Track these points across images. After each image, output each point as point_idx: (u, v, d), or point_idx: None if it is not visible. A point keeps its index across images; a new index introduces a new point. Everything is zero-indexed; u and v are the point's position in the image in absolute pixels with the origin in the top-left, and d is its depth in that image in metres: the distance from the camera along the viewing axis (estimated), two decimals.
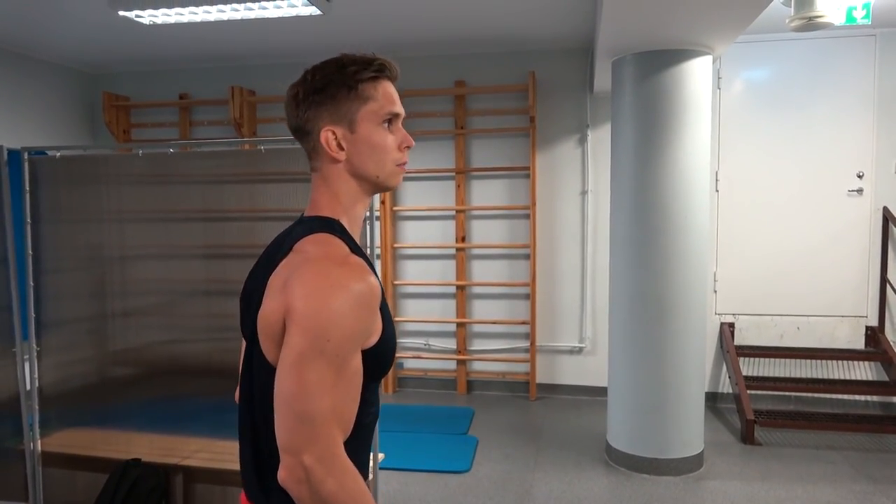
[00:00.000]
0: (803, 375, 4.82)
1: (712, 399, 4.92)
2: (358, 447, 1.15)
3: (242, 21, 4.10)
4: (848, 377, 4.78)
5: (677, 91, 3.57)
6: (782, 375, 4.84)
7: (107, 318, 2.98)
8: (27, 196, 2.95)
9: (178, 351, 2.93)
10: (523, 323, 5.19)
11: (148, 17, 3.91)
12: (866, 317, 4.79)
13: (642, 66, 3.62)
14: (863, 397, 4.74)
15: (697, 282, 3.69)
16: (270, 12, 3.84)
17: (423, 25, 4.48)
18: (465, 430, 4.48)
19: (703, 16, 3.07)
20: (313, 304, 1.04)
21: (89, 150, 3.03)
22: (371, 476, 2.73)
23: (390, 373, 5.32)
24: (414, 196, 5.38)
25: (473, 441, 4.27)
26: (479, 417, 4.75)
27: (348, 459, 1.08)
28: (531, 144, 5.04)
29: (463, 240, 5.28)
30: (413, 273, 5.42)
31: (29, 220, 2.95)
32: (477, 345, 5.37)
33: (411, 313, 5.41)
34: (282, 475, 1.04)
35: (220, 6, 3.70)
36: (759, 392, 4.71)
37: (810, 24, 3.21)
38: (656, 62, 3.58)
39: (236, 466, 1.17)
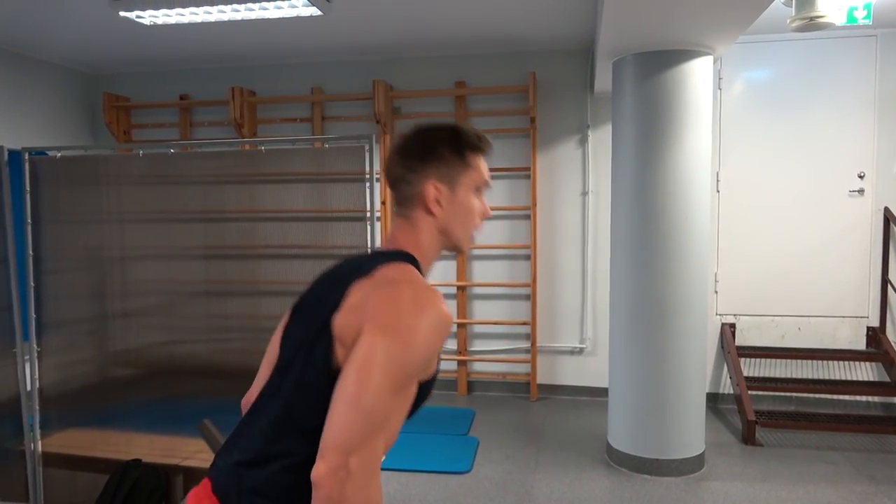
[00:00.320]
0: (804, 376, 4.81)
1: (713, 400, 4.91)
2: None
3: (243, 21, 4.10)
4: (849, 378, 4.78)
5: (678, 92, 3.57)
6: (783, 376, 4.83)
7: (107, 319, 2.99)
8: (28, 196, 2.95)
9: (178, 351, 2.93)
10: (524, 324, 5.19)
11: (148, 17, 3.91)
12: (867, 317, 4.78)
13: (643, 67, 3.62)
14: (864, 398, 4.73)
15: (698, 282, 3.68)
16: (271, 13, 3.85)
17: (424, 26, 4.48)
18: (466, 431, 4.48)
19: (703, 16, 3.06)
20: (403, 316, 1.11)
21: (90, 151, 3.04)
22: None
23: None
24: None
25: (474, 442, 4.27)
26: (480, 418, 4.74)
27: (373, 474, 1.10)
28: (532, 145, 5.04)
29: None
30: None
31: (29, 221, 2.95)
32: (478, 345, 5.36)
33: None
34: (321, 471, 1.05)
35: (221, 7, 3.70)
36: (761, 393, 4.70)
37: (811, 25, 3.20)
38: (657, 63, 3.57)
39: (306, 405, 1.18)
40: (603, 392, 4.70)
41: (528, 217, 5.14)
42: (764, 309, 4.89)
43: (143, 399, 2.96)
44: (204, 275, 2.87)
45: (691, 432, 3.76)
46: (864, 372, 4.77)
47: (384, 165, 1.34)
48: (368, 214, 2.67)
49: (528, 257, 5.17)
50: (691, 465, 3.75)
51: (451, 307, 5.24)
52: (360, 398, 1.07)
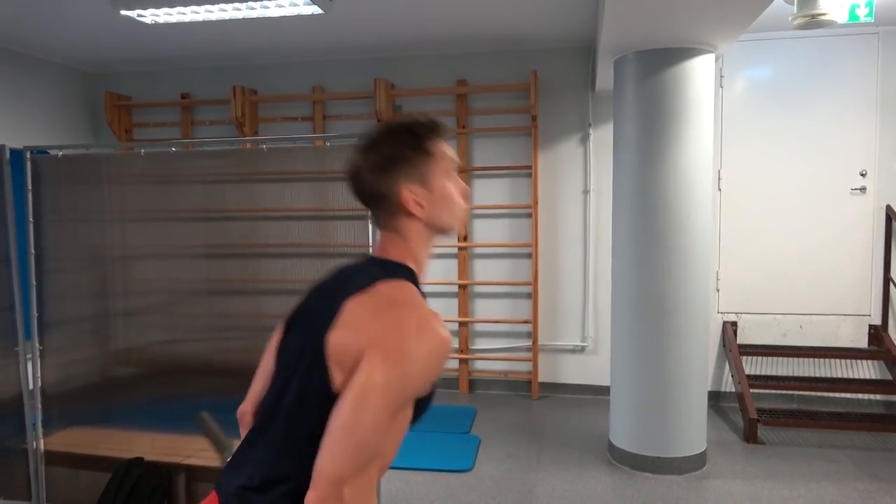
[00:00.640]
0: (806, 374, 4.81)
1: (715, 398, 4.91)
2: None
3: (244, 20, 4.10)
4: (851, 376, 4.77)
5: (679, 90, 3.56)
6: (785, 374, 4.83)
7: (109, 318, 2.99)
8: (29, 195, 2.95)
9: (179, 350, 2.93)
10: (525, 322, 5.19)
11: (150, 16, 3.91)
12: (869, 315, 4.78)
13: (644, 65, 3.61)
14: (866, 396, 4.73)
15: (700, 281, 3.68)
16: (272, 11, 3.85)
17: (425, 24, 4.47)
18: (468, 430, 4.48)
19: (705, 14, 3.06)
20: (403, 342, 1.09)
21: (91, 150, 3.04)
22: None
23: None
24: None
25: (476, 440, 4.27)
26: (482, 416, 4.74)
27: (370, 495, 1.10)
28: (533, 143, 5.03)
29: (465, 239, 5.27)
30: None
31: (31, 220, 2.95)
32: (479, 344, 5.36)
33: None
34: (311, 498, 1.04)
35: (222, 5, 3.70)
36: (762, 391, 4.70)
37: (813, 22, 3.20)
38: (658, 61, 3.57)
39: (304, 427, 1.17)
40: (604, 390, 4.69)
41: (529, 215, 5.14)
42: (766, 307, 4.89)
43: (145, 398, 2.96)
44: (205, 274, 2.87)
45: (693, 430, 3.76)
46: (866, 370, 4.76)
47: (351, 183, 1.31)
48: (369, 213, 2.67)
49: (529, 256, 5.17)
50: (693, 464, 3.75)
51: (453, 306, 5.27)
52: (356, 428, 1.05)
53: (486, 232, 5.28)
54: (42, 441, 3.05)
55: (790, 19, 3.27)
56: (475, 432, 4.43)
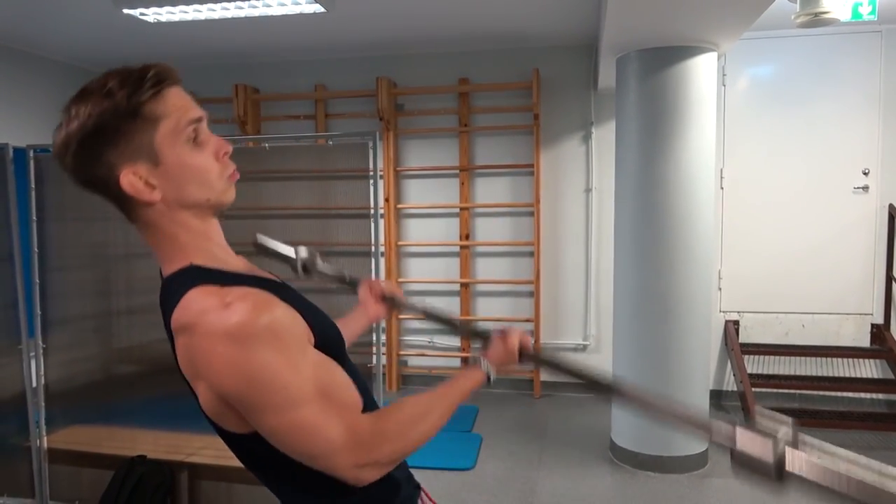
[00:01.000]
0: (808, 373, 4.80)
1: (717, 397, 4.91)
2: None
3: (246, 19, 4.10)
4: (853, 375, 4.77)
5: (682, 88, 3.56)
6: (787, 373, 4.83)
7: (112, 316, 3.00)
8: (33, 194, 2.96)
9: None
10: (527, 321, 5.19)
11: (152, 15, 3.91)
12: (872, 314, 4.77)
13: (647, 63, 3.61)
14: (868, 395, 4.73)
15: (702, 279, 3.68)
16: (275, 10, 3.85)
17: (427, 23, 4.47)
18: (470, 428, 4.49)
19: (708, 12, 3.06)
20: (236, 377, 0.92)
21: None
22: None
23: (394, 370, 5.33)
24: (418, 194, 5.38)
25: (477, 438, 4.27)
26: (484, 415, 4.75)
27: (379, 425, 1.04)
28: (535, 142, 5.03)
29: (467, 237, 5.28)
30: (417, 271, 5.42)
31: (34, 218, 2.96)
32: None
33: None
34: (359, 485, 1.02)
35: (225, 4, 3.70)
36: (764, 390, 4.69)
37: (816, 21, 3.19)
38: (661, 59, 3.56)
39: (241, 463, 1.18)
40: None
41: (531, 214, 5.14)
42: (768, 306, 4.89)
43: (148, 395, 2.97)
44: None
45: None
46: (868, 369, 4.76)
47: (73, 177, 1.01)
48: (372, 211, 2.67)
49: (531, 254, 5.17)
50: (695, 462, 3.75)
51: (455, 304, 5.27)
52: (301, 453, 0.98)
53: (488, 230, 5.28)
54: (45, 439, 3.06)
55: (793, 18, 3.27)
56: (477, 430, 4.44)
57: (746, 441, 0.94)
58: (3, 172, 2.92)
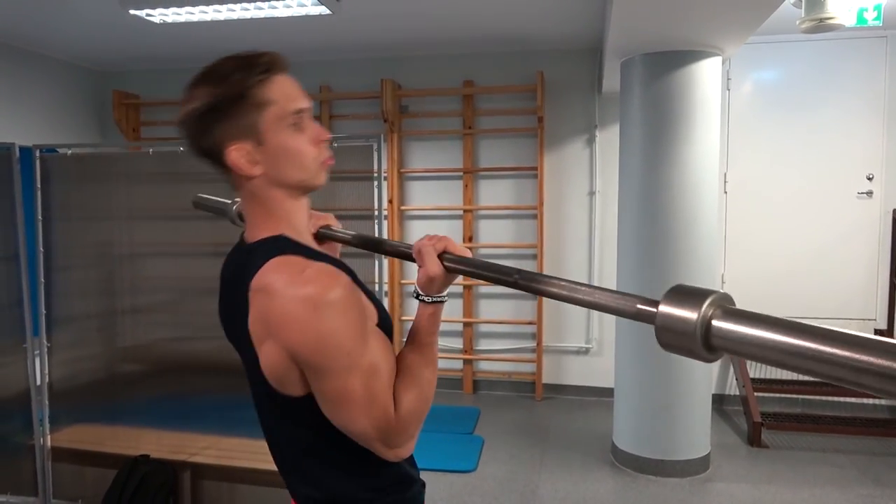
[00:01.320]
0: (810, 378, 4.79)
1: (719, 401, 4.90)
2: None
3: (252, 20, 4.11)
4: None
5: (686, 92, 3.56)
6: (789, 378, 4.82)
7: (116, 315, 3.01)
8: (38, 193, 2.97)
9: (186, 348, 2.95)
10: (530, 323, 5.19)
11: (158, 15, 3.93)
12: (875, 319, 4.76)
13: (651, 67, 3.61)
14: (870, 401, 4.72)
15: (704, 283, 3.67)
16: (280, 11, 3.86)
17: (432, 25, 4.48)
18: (471, 430, 4.49)
19: (713, 17, 3.06)
20: (306, 337, 1.00)
21: (100, 149, 3.06)
22: None
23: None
24: (421, 195, 5.39)
25: (479, 441, 4.27)
26: (485, 417, 4.75)
27: (402, 409, 1.09)
28: (539, 145, 5.04)
29: (470, 240, 5.28)
30: None
31: (40, 217, 2.97)
32: (483, 344, 5.37)
33: None
34: (387, 457, 1.11)
35: (230, 5, 3.71)
36: (766, 394, 4.70)
37: (821, 26, 3.19)
38: (665, 63, 3.57)
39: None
40: (608, 392, 4.69)
41: (534, 217, 5.15)
42: (771, 310, 4.75)
43: (152, 395, 2.98)
44: (212, 272, 2.87)
45: (697, 433, 3.76)
46: None
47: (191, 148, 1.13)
48: (376, 213, 2.68)
49: (534, 257, 5.17)
50: (696, 467, 3.75)
51: (457, 306, 5.28)
52: (355, 426, 1.06)
53: (491, 232, 5.29)
54: (49, 437, 3.07)
55: (798, 23, 3.27)
56: (478, 433, 4.44)
57: (669, 314, 0.87)
58: (9, 172, 2.94)
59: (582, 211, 5.15)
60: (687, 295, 0.83)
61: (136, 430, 2.97)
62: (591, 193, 5.12)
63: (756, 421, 4.20)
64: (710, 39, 3.43)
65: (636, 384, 3.79)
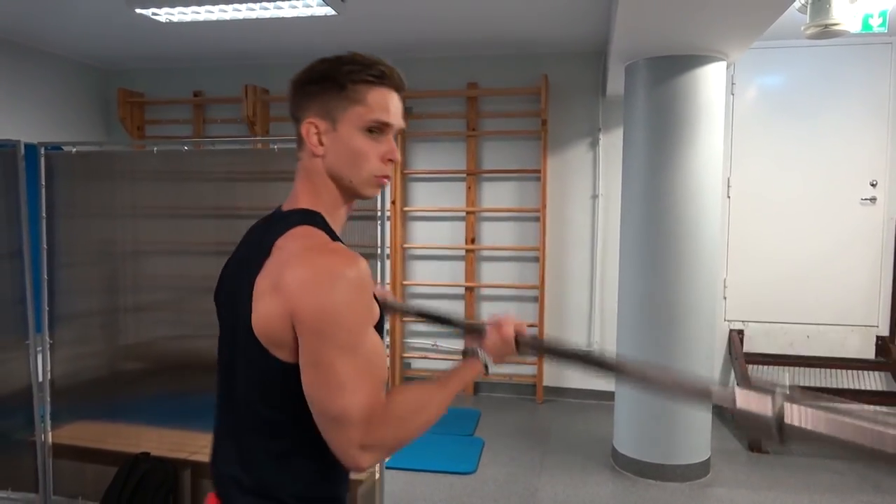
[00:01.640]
0: (812, 384, 4.79)
1: (720, 406, 4.88)
2: None
3: (258, 20, 4.12)
4: (857, 387, 4.75)
5: (690, 97, 3.57)
6: (791, 384, 4.80)
7: (118, 313, 3.02)
8: (43, 191, 2.98)
9: (187, 347, 2.95)
10: (531, 325, 5.18)
11: (165, 15, 3.94)
12: (877, 326, 4.75)
13: (656, 71, 3.62)
14: (872, 407, 4.70)
15: (707, 288, 3.68)
16: (286, 12, 3.87)
17: (437, 27, 4.49)
18: (472, 432, 4.49)
19: (717, 22, 3.06)
20: (315, 301, 1.01)
21: (104, 147, 3.07)
22: (377, 475, 2.74)
23: (397, 373, 5.34)
24: (424, 197, 5.39)
25: (479, 442, 4.27)
26: (486, 419, 4.75)
27: (388, 409, 1.08)
28: (542, 147, 5.04)
29: (473, 241, 5.28)
30: (422, 274, 5.43)
31: (44, 215, 2.98)
32: None
33: None
34: (351, 467, 1.08)
35: (237, 5, 3.73)
36: None
37: (826, 32, 3.19)
38: (670, 67, 3.57)
39: (256, 399, 1.17)
40: (609, 396, 4.69)
41: (537, 219, 5.15)
42: (773, 316, 4.88)
43: (153, 393, 2.99)
44: (215, 271, 2.87)
45: (697, 438, 3.75)
46: (873, 381, 4.74)
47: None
48: (379, 214, 2.68)
49: (536, 259, 5.18)
50: (696, 471, 3.74)
51: (459, 308, 5.28)
52: (330, 402, 1.03)
53: (494, 235, 5.29)
54: (50, 434, 3.08)
55: (803, 28, 3.27)
56: (479, 435, 4.44)
57: (745, 399, 0.94)
58: (14, 169, 2.95)
59: (585, 214, 5.15)
60: (757, 393, 0.99)
61: (137, 428, 2.97)
62: (594, 197, 5.12)
63: None
64: (714, 44, 3.43)
65: (637, 388, 3.78)
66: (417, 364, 5.45)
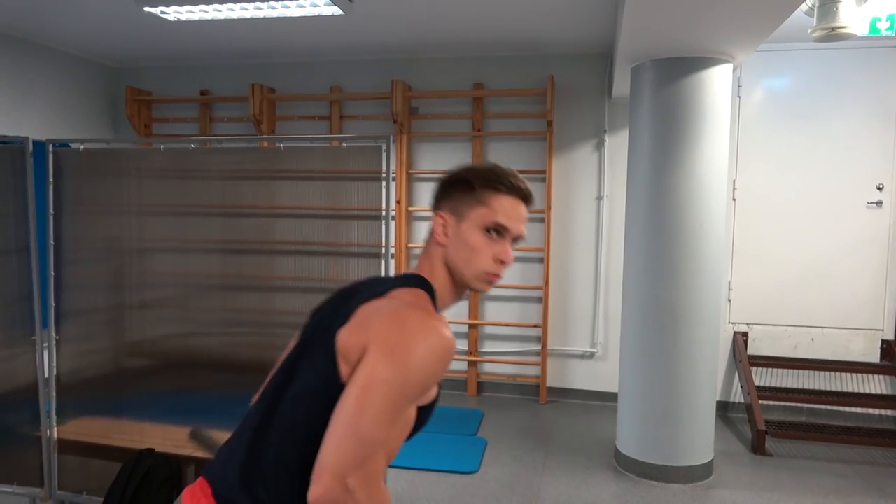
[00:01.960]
0: (816, 387, 4.78)
1: (723, 408, 4.89)
2: None
3: (265, 19, 4.14)
4: (862, 390, 4.74)
5: (696, 99, 3.56)
6: (795, 387, 4.80)
7: (124, 310, 3.03)
8: (50, 187, 3.00)
9: (192, 344, 2.96)
10: (535, 326, 5.19)
11: (173, 13, 3.96)
12: (882, 330, 4.74)
13: (662, 73, 3.61)
14: (876, 411, 4.70)
15: (711, 290, 3.67)
16: (293, 11, 3.89)
17: (444, 27, 4.50)
18: (475, 432, 4.49)
19: (724, 24, 3.06)
20: (405, 339, 1.11)
21: (112, 144, 3.08)
22: None
23: None
24: (429, 196, 5.39)
25: (482, 442, 4.28)
26: (489, 419, 4.75)
27: (386, 491, 1.12)
28: (548, 148, 5.04)
29: None
30: None
31: (51, 211, 3.00)
32: (488, 347, 5.38)
33: None
34: (315, 494, 1.05)
35: (244, 4, 3.75)
36: (771, 402, 4.68)
37: (833, 35, 3.19)
38: (676, 69, 3.57)
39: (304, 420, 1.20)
40: (612, 397, 4.69)
41: (542, 220, 5.15)
42: (777, 319, 4.87)
43: (158, 390, 3.00)
44: (220, 269, 2.90)
45: (700, 440, 3.75)
46: (878, 385, 4.73)
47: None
48: (384, 213, 2.69)
49: (541, 260, 5.18)
50: (699, 473, 3.74)
51: (463, 308, 5.28)
52: (359, 423, 1.06)
53: None
54: (56, 429, 3.09)
55: (809, 31, 3.27)
56: (482, 434, 4.44)
57: None
58: (23, 165, 2.97)
59: (589, 215, 5.15)
60: None
61: (142, 424, 2.99)
62: (599, 198, 5.12)
63: (760, 429, 4.18)
64: (721, 46, 3.43)
65: (640, 389, 3.79)
66: None
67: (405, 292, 1.23)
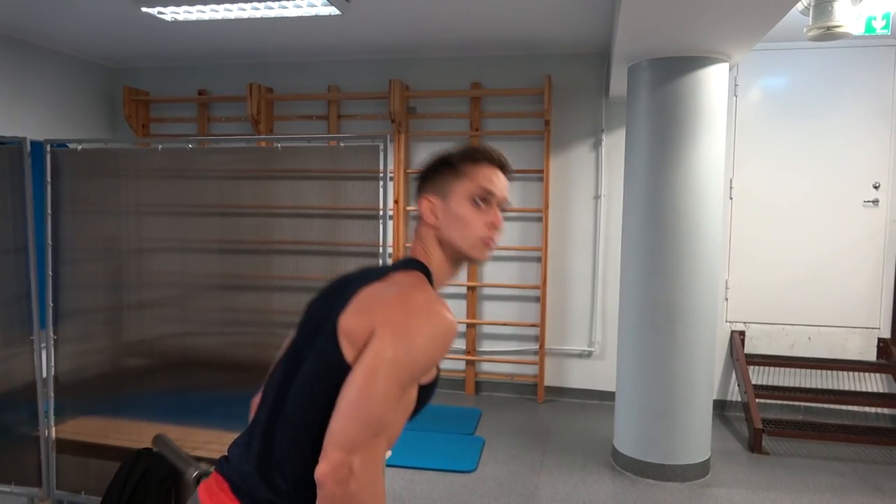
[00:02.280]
0: (813, 386, 4.79)
1: (720, 407, 4.90)
2: None
3: (262, 19, 4.14)
4: (858, 389, 4.76)
5: (693, 98, 3.57)
6: (792, 385, 4.82)
7: (122, 310, 3.03)
8: (48, 187, 3.00)
9: (190, 343, 2.97)
10: (533, 325, 5.20)
11: (170, 13, 3.97)
12: (879, 328, 4.76)
13: (658, 73, 3.62)
14: (873, 409, 4.71)
15: (708, 289, 3.68)
16: (290, 11, 3.89)
17: (441, 27, 4.50)
18: (472, 431, 4.50)
19: (720, 24, 3.07)
20: (410, 322, 1.14)
21: (110, 144, 3.08)
22: None
23: None
24: None
25: (480, 441, 4.29)
26: (487, 418, 4.76)
27: (383, 484, 1.14)
28: (545, 148, 5.05)
29: None
30: None
31: (49, 211, 3.00)
32: (486, 346, 5.38)
33: None
34: (323, 470, 1.08)
35: (242, 4, 3.75)
36: (768, 401, 4.69)
37: (828, 34, 3.20)
38: (673, 69, 3.58)
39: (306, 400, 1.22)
40: (610, 396, 4.70)
41: (539, 219, 5.16)
42: (774, 317, 4.88)
43: (156, 389, 3.00)
44: (218, 268, 2.91)
45: (697, 438, 3.76)
46: (874, 383, 4.75)
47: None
48: (381, 213, 2.70)
49: (538, 259, 5.19)
50: (696, 472, 3.75)
51: (461, 307, 5.29)
52: (366, 401, 1.10)
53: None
54: (54, 429, 3.09)
55: (805, 30, 3.28)
56: (480, 434, 4.45)
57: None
58: (21, 166, 2.97)
59: (587, 214, 5.16)
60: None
61: (140, 424, 2.99)
62: (597, 197, 5.13)
63: (757, 427, 4.20)
64: (717, 46, 3.44)
65: (638, 388, 3.80)
66: None
67: (403, 275, 1.26)
